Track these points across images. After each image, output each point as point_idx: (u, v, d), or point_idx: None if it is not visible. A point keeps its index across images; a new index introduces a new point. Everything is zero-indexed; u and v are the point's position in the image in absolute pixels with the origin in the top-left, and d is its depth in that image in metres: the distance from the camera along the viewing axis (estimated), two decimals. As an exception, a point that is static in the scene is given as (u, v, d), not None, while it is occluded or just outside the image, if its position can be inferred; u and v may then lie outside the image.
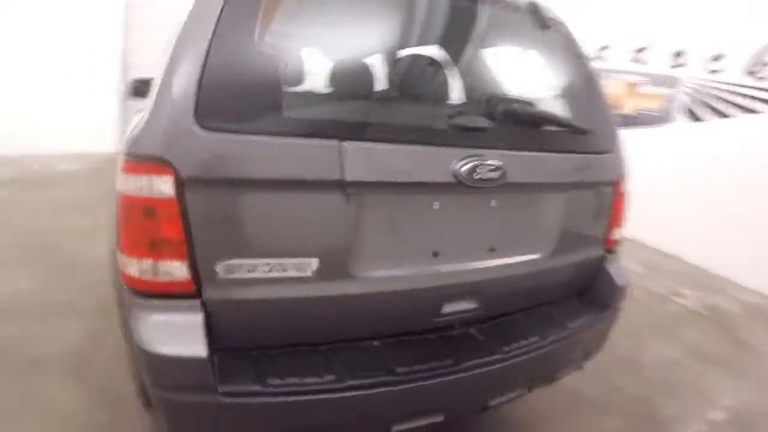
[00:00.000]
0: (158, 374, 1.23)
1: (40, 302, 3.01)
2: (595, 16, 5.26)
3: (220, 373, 1.23)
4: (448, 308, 1.52)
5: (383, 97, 1.63)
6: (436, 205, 1.44)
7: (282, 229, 1.27)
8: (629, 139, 5.09)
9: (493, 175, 1.43)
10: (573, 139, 1.73)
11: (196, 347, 1.19)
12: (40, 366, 2.39)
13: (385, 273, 1.41)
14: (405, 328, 1.53)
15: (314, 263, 1.30)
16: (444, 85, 1.90)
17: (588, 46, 5.30)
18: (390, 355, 1.42)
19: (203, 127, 1.15)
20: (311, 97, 1.51)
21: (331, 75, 1.81)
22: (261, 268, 1.25)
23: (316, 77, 1.67)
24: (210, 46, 1.17)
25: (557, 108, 1.81)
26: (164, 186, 1.14)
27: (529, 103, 1.75)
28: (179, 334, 1.20)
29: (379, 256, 1.41)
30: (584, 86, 1.86)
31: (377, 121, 1.38)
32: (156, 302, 1.23)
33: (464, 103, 1.82)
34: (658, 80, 4.83)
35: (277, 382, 1.25)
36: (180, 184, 1.14)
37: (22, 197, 5.05)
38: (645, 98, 5.01)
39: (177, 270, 1.20)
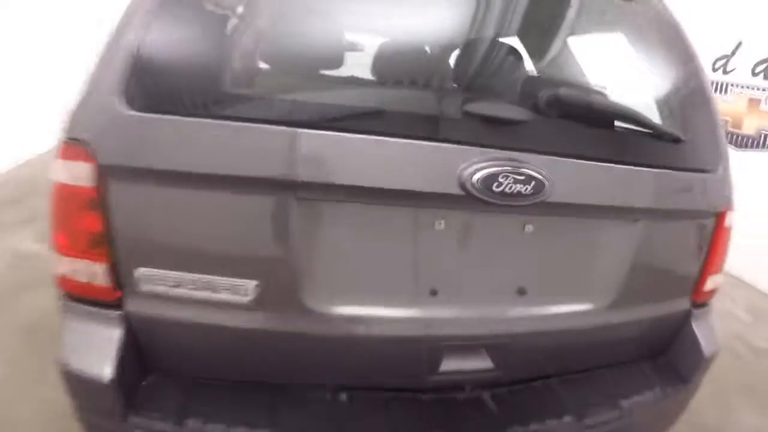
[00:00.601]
0: (69, 388, 1.08)
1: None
2: (712, 22, 4.54)
3: (142, 400, 1.07)
4: (450, 365, 1.16)
5: (358, 76, 1.29)
6: (440, 225, 1.07)
7: (213, 238, 1.01)
8: (748, 163, 4.32)
9: (523, 188, 1.01)
10: (658, 148, 1.23)
11: (104, 367, 1.00)
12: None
13: (355, 311, 1.08)
14: (388, 383, 1.19)
15: (252, 287, 1.01)
16: (463, 61, 1.43)
17: (705, 55, 4.58)
18: (355, 416, 1.10)
19: (132, 106, 0.93)
20: (264, 74, 1.22)
21: (292, 47, 1.34)
22: (186, 284, 1.01)
23: (273, 50, 1.31)
24: (152, 12, 0.97)
25: (635, 102, 1.31)
26: (84, 173, 0.95)
27: (591, 91, 1.32)
28: (92, 349, 1.04)
29: (346, 288, 1.08)
30: (680, 77, 1.35)
31: (350, 104, 1.04)
32: (77, 307, 1.07)
33: (493, 86, 1.35)
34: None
35: (197, 425, 1.03)
36: (100, 172, 0.96)
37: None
38: (768, 117, 4.28)
39: (95, 271, 1.02)
